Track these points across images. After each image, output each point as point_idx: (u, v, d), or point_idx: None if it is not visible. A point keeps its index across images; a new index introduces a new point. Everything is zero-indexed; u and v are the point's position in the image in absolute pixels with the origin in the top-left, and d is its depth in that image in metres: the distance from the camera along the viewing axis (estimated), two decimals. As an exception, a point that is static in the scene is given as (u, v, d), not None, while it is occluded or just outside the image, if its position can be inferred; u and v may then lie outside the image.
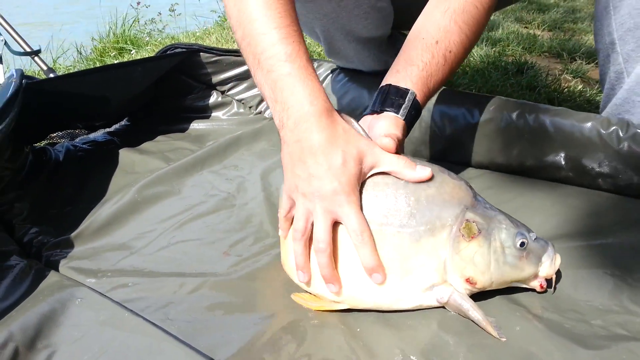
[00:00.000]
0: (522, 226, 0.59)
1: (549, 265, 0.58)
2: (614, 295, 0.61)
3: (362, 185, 0.59)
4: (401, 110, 0.64)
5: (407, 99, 0.65)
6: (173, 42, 2.93)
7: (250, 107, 1.23)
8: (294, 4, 0.64)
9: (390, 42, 1.07)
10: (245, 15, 0.61)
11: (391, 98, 0.65)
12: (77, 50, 2.81)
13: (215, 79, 1.23)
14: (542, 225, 0.74)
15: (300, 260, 0.61)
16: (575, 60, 1.80)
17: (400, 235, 0.58)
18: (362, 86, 1.06)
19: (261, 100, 1.22)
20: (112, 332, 0.56)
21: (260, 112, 1.22)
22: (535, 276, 0.59)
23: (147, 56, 2.29)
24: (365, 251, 0.57)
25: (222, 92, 1.24)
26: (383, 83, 0.68)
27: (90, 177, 0.97)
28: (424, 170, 0.59)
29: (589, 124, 0.76)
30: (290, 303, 0.64)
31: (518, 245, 0.57)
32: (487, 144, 0.86)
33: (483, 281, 0.58)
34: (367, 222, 0.58)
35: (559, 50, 1.91)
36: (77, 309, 0.59)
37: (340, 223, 0.59)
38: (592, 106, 1.35)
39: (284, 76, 0.58)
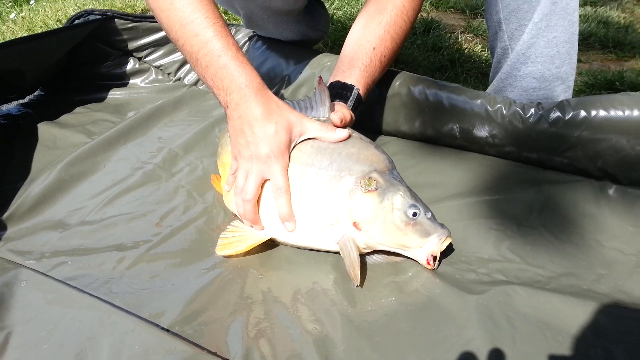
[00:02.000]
0: (423, 205, 0.68)
1: (435, 242, 0.65)
2: (496, 245, 0.73)
3: (297, 146, 0.72)
4: (348, 102, 0.80)
5: (352, 93, 0.81)
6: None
7: (169, 74, 1.24)
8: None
9: (306, 12, 1.13)
10: (175, 21, 0.70)
11: (340, 92, 0.81)
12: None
13: (132, 45, 1.22)
14: (440, 185, 0.85)
15: (239, 209, 0.73)
16: (477, 17, 1.93)
17: (318, 176, 0.70)
18: (280, 55, 1.11)
19: (180, 67, 1.24)
20: (62, 310, 0.61)
21: (179, 79, 1.24)
22: (421, 248, 0.66)
23: (49, 7, 2.16)
24: (281, 202, 0.70)
25: (140, 59, 1.24)
26: (332, 79, 0.83)
27: (11, 155, 0.96)
28: (342, 132, 0.73)
29: (478, 101, 0.87)
30: (223, 261, 0.71)
31: (409, 213, 0.66)
32: (394, 115, 0.96)
33: (367, 230, 0.67)
34: (288, 181, 0.70)
35: (463, 6, 2.02)
36: (23, 291, 0.63)
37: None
38: (488, 66, 1.48)
39: (221, 68, 0.70)
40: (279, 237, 0.73)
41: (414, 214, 0.66)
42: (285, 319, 0.62)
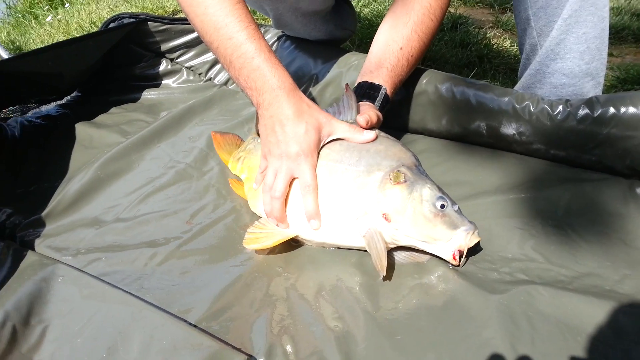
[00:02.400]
0: (450, 198, 0.69)
1: (463, 237, 0.66)
2: (520, 245, 0.73)
3: (326, 145, 0.75)
4: (376, 102, 0.82)
5: (380, 93, 0.83)
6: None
7: (200, 74, 1.27)
8: (244, 1, 0.74)
9: (333, 12, 1.14)
10: (209, 25, 0.73)
11: (367, 92, 0.83)
12: (4, 2, 2.70)
13: (164, 47, 1.26)
14: (467, 183, 0.85)
15: (267, 207, 0.75)
16: (506, 12, 1.90)
17: (347, 172, 0.72)
18: (308, 55, 1.13)
19: (210, 67, 1.27)
20: (97, 305, 0.64)
21: (210, 79, 1.27)
22: (448, 242, 0.67)
23: (83, 9, 2.24)
24: (308, 199, 0.72)
25: (172, 60, 1.28)
26: (360, 80, 0.85)
27: (50, 154, 1.01)
28: (369, 133, 0.75)
29: (506, 99, 0.86)
30: (249, 259, 0.74)
31: (438, 205, 0.67)
32: (421, 113, 0.96)
33: (397, 220, 0.68)
34: (316, 179, 0.72)
35: (491, 1, 2.00)
36: (60, 285, 0.67)
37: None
38: (517, 62, 1.46)
39: (254, 70, 0.73)
40: (305, 235, 0.74)
41: (442, 206, 0.67)
42: (309, 316, 0.63)
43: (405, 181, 0.69)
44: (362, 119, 0.75)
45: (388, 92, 0.83)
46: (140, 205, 0.87)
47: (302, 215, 0.73)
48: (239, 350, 0.58)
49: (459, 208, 0.69)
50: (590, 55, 0.89)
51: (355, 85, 0.86)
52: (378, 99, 0.82)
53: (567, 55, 0.89)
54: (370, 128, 0.77)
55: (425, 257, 0.70)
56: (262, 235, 0.74)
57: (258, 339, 0.60)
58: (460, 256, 0.67)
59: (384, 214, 0.69)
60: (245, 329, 0.62)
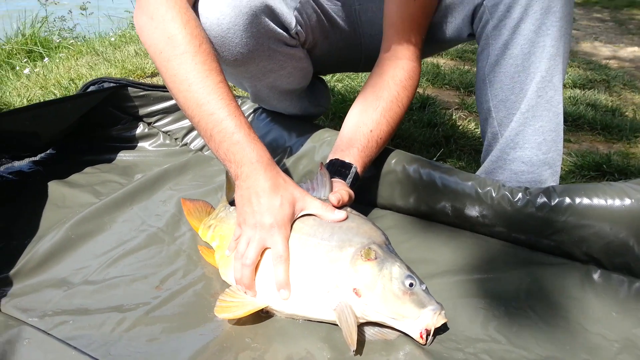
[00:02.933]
0: (417, 277, 0.72)
1: (431, 315, 0.68)
2: (484, 325, 0.76)
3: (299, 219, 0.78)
4: (347, 179, 0.87)
5: (351, 171, 0.89)
6: (85, 45, 2.89)
7: (176, 139, 1.30)
8: (224, 77, 0.79)
9: (308, 90, 1.20)
10: (192, 102, 0.77)
11: (339, 169, 0.88)
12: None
13: (142, 111, 1.29)
14: (432, 262, 0.88)
15: (237, 274, 0.77)
16: (471, 95, 2.02)
17: (320, 245, 0.75)
18: (283, 128, 1.17)
19: (187, 133, 1.30)
20: (62, 371, 0.63)
21: (185, 144, 1.29)
22: (416, 320, 0.69)
23: (62, 64, 2.26)
24: (279, 270, 0.74)
25: (149, 124, 1.30)
26: (331, 157, 0.91)
27: (20, 211, 1.00)
28: (340, 213, 0.78)
29: (469, 183, 0.92)
30: (218, 328, 0.74)
31: (406, 283, 0.70)
32: (389, 191, 1.00)
33: (367, 296, 0.70)
34: (288, 251, 0.75)
35: (457, 84, 2.12)
36: (25, 349, 0.65)
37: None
38: (480, 143, 1.55)
39: (234, 144, 0.77)
40: (276, 306, 0.75)
41: (411, 284, 0.70)
42: (277, 390, 0.64)
43: (375, 258, 0.72)
44: (334, 198, 0.79)
45: (358, 170, 0.89)
46: (109, 269, 0.86)
47: (272, 285, 0.74)
48: None
49: (426, 287, 0.72)
50: (547, 146, 0.96)
51: (328, 161, 0.91)
52: (349, 176, 0.88)
53: (526, 145, 0.96)
54: (342, 206, 0.80)
55: (394, 335, 0.72)
56: (233, 305, 0.74)
57: (226, 413, 0.60)
58: (427, 335, 0.69)
59: (354, 289, 0.71)
60: (213, 401, 0.62)
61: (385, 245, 0.76)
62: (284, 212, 0.76)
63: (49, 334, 0.69)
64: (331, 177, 0.85)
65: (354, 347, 0.67)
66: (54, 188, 1.07)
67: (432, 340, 0.71)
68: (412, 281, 0.70)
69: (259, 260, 0.76)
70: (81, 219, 0.96)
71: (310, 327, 0.74)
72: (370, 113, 0.93)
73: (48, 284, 0.82)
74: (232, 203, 0.97)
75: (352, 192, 0.84)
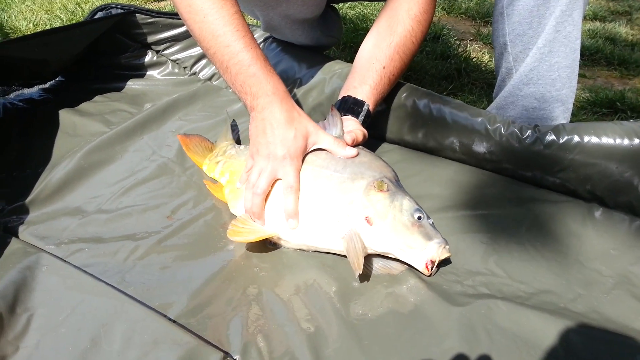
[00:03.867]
0: (425, 212, 0.74)
1: (435, 248, 0.71)
2: (484, 259, 0.78)
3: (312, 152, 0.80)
4: (359, 117, 0.88)
5: (363, 108, 0.89)
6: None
7: (185, 68, 1.29)
8: (239, 7, 0.77)
9: (320, 19, 1.17)
10: (208, 32, 0.76)
11: (351, 107, 0.89)
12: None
13: (151, 38, 1.27)
14: (437, 196, 0.90)
15: (247, 203, 0.78)
16: (487, 25, 1.96)
17: (332, 177, 0.77)
18: (293, 59, 1.16)
19: (196, 62, 1.29)
20: (80, 296, 0.66)
21: (194, 73, 1.28)
22: (422, 251, 0.72)
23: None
24: (289, 199, 0.76)
25: (157, 52, 1.29)
26: (344, 94, 0.91)
27: (33, 139, 1.01)
28: (351, 150, 0.79)
29: (479, 119, 0.92)
30: (228, 257, 0.76)
31: (415, 216, 0.73)
32: (398, 125, 1.00)
33: (378, 224, 0.73)
34: (299, 182, 0.76)
35: (474, 13, 2.05)
36: (44, 275, 0.69)
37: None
38: (493, 77, 1.52)
39: (250, 76, 0.77)
40: (285, 236, 0.78)
41: (419, 218, 0.73)
42: (283, 317, 0.67)
43: (387, 190, 0.75)
44: (349, 137, 0.81)
45: (370, 108, 0.89)
46: (122, 198, 0.88)
47: (281, 215, 0.76)
48: (216, 347, 0.62)
49: (433, 223, 0.74)
50: (561, 82, 0.94)
51: (340, 98, 0.91)
52: (361, 114, 0.88)
53: (540, 81, 0.94)
54: (355, 145, 0.81)
55: (398, 270, 0.75)
56: (245, 230, 0.77)
57: (234, 337, 0.64)
58: (432, 266, 0.72)
59: (366, 217, 0.73)
60: (222, 326, 0.65)
61: (395, 181, 0.78)
62: (297, 144, 0.77)
63: (66, 261, 0.72)
64: (344, 115, 0.87)
65: (360, 270, 0.69)
66: (65, 116, 1.08)
67: (436, 272, 0.74)
68: (420, 215, 0.73)
69: (270, 191, 0.78)
70: (93, 148, 0.98)
71: (317, 258, 0.77)
72: (384, 48, 0.92)
73: (63, 212, 0.84)
74: (238, 142, 0.98)
75: (365, 131, 0.85)
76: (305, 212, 0.76)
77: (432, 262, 0.72)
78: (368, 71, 0.91)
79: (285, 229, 0.77)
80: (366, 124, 0.88)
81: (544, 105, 0.97)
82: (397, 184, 0.78)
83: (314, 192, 0.77)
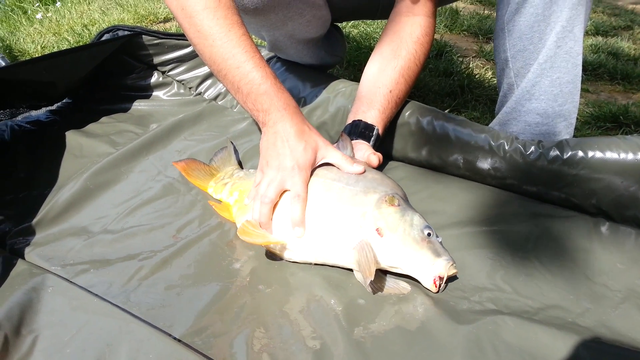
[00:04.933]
0: (434, 230, 0.75)
1: (443, 265, 0.71)
2: (490, 275, 0.78)
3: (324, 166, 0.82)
4: (371, 141, 0.91)
5: (373, 132, 0.92)
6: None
7: (190, 88, 1.30)
8: (246, 29, 0.80)
9: (325, 39, 1.18)
10: (218, 56, 0.78)
11: (362, 131, 0.92)
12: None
13: (157, 59, 1.28)
14: (442, 213, 0.90)
15: (255, 213, 0.79)
16: (489, 42, 1.97)
17: (344, 189, 0.78)
18: (298, 78, 1.17)
19: (201, 82, 1.30)
20: (85, 317, 0.66)
21: (200, 93, 1.29)
22: (431, 267, 0.72)
23: (74, 9, 2.24)
24: (296, 207, 0.76)
25: (163, 73, 1.30)
26: (354, 118, 0.94)
27: (39, 161, 1.02)
28: (358, 166, 0.81)
29: (482, 136, 0.92)
30: (234, 275, 0.76)
31: (425, 232, 0.73)
32: (402, 143, 1.01)
33: (389, 237, 0.73)
34: (306, 192, 0.77)
35: (476, 30, 2.07)
36: (50, 296, 0.69)
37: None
38: (496, 93, 1.52)
39: (261, 94, 0.79)
40: (293, 246, 0.77)
41: (429, 234, 0.73)
42: (288, 335, 0.67)
43: (398, 205, 0.75)
44: (374, 158, 0.86)
45: (380, 132, 0.93)
46: (127, 218, 0.89)
47: (288, 225, 0.77)
48: (222, 366, 0.61)
49: (441, 241, 0.74)
50: (563, 98, 0.95)
51: (350, 122, 0.94)
52: (372, 138, 0.91)
53: (542, 97, 0.95)
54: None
55: (408, 290, 0.74)
56: (255, 233, 0.77)
57: (240, 356, 0.63)
58: (440, 283, 0.72)
59: (377, 229, 0.74)
60: (227, 345, 0.65)
61: (405, 198, 0.80)
62: (307, 156, 0.78)
63: (71, 281, 0.72)
64: (355, 139, 0.90)
65: (371, 277, 0.69)
66: (72, 138, 1.09)
67: (445, 288, 0.74)
68: (429, 231, 0.74)
69: (277, 202, 0.78)
70: (99, 168, 0.98)
71: (323, 276, 0.77)
72: (389, 72, 0.94)
73: (69, 233, 0.85)
74: (240, 165, 0.99)
75: (381, 157, 0.88)
76: (316, 223, 0.76)
77: (441, 279, 0.72)
78: (375, 95, 0.94)
79: (292, 238, 0.77)
80: (375, 147, 0.90)
81: (546, 121, 0.97)
82: (407, 202, 0.79)
83: (325, 203, 0.77)
